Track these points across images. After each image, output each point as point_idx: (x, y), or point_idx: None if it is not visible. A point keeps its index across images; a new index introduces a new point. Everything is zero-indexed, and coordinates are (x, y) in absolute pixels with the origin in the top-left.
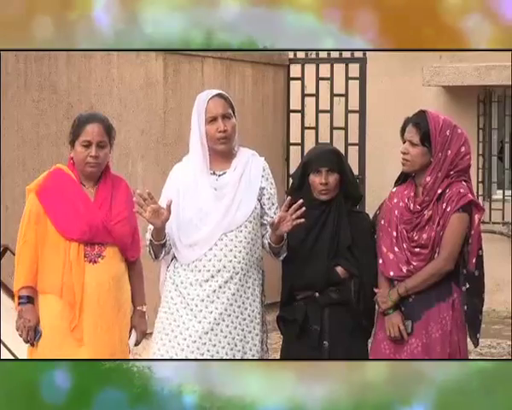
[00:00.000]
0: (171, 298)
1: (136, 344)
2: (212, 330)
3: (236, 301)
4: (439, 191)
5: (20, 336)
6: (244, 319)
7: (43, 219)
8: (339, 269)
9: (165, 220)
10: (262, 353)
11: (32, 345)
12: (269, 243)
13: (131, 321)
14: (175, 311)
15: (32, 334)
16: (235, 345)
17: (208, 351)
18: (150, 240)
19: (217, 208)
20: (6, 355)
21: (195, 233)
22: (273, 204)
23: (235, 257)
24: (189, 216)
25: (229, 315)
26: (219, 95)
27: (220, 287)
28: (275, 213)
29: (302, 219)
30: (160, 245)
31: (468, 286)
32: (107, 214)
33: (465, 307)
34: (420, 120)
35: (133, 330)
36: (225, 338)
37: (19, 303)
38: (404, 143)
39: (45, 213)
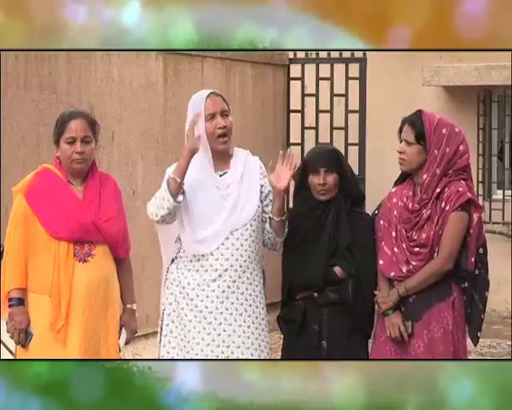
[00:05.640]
0: (176, 301)
1: (127, 343)
2: (224, 331)
3: (247, 301)
4: (438, 190)
5: (11, 338)
6: (256, 318)
7: (32, 219)
8: (336, 269)
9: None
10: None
11: (24, 347)
12: (270, 219)
13: (121, 320)
14: (183, 315)
15: (23, 336)
16: (252, 344)
17: (223, 353)
18: (173, 179)
19: (222, 208)
20: (6, 355)
21: (202, 231)
22: (271, 201)
23: (241, 256)
24: (194, 215)
25: (241, 314)
26: (215, 93)
27: (229, 287)
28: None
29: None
30: (181, 184)
31: (466, 285)
32: (97, 212)
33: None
34: (415, 119)
35: (123, 329)
36: (239, 338)
37: (9, 305)
38: (400, 142)
39: (33, 213)
